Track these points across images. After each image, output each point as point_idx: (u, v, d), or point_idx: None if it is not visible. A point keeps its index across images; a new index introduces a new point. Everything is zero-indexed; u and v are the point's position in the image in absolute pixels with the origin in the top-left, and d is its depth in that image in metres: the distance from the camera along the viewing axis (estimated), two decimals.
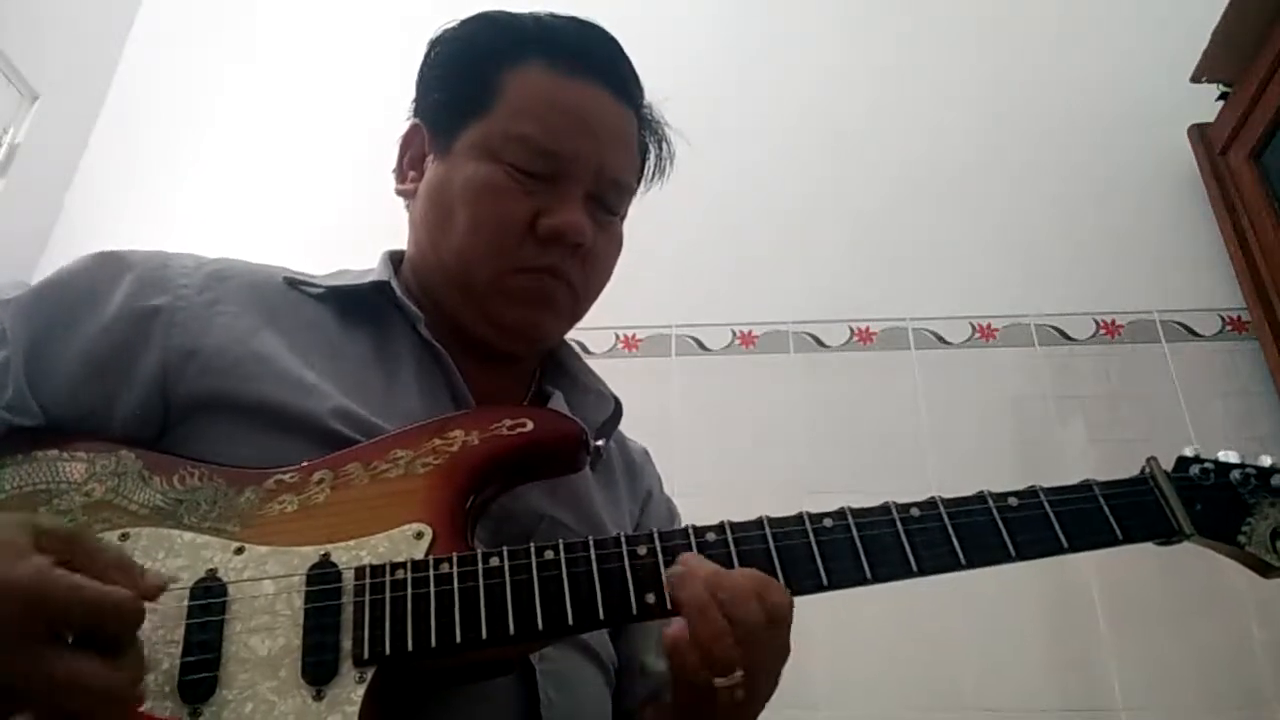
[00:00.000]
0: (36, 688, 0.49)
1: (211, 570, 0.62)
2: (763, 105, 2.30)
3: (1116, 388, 1.88)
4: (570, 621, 0.62)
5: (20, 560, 0.50)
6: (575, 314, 0.88)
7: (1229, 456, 0.72)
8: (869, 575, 0.65)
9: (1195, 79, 1.99)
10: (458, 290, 0.83)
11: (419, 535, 0.65)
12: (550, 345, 0.92)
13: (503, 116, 0.82)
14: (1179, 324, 1.93)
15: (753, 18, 2.44)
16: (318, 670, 0.59)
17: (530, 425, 0.71)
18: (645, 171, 0.95)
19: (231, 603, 0.61)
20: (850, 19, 2.41)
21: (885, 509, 0.68)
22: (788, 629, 0.63)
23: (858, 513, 0.67)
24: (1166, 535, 0.70)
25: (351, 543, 0.64)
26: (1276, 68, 1.80)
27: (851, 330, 2.00)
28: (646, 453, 1.01)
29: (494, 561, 0.63)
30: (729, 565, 0.64)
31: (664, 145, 0.95)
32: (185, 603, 0.61)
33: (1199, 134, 2.05)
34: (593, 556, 0.64)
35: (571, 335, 0.92)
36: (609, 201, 0.85)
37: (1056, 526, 0.68)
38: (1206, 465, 0.72)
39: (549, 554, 0.64)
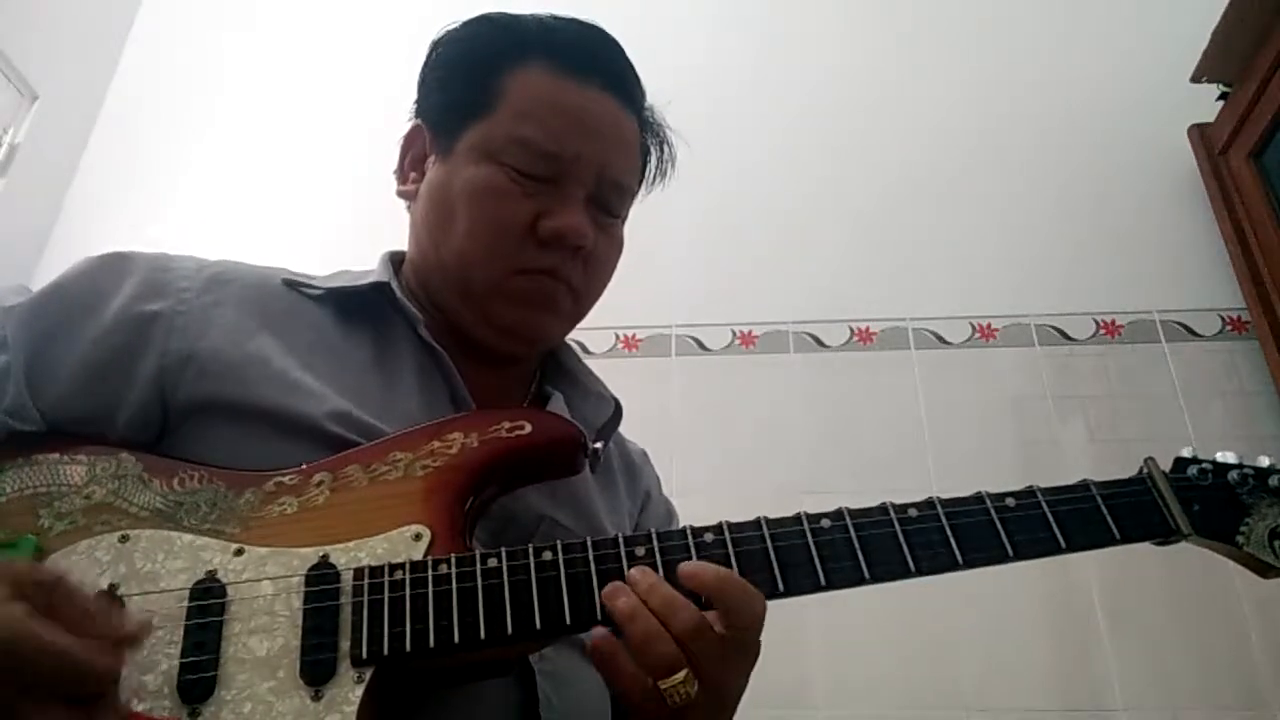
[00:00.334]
0: None
1: (211, 571, 0.63)
2: (763, 105, 2.30)
3: (1116, 388, 1.88)
4: (568, 622, 0.62)
5: None
6: (575, 316, 0.88)
7: (1227, 457, 0.72)
8: (867, 575, 0.65)
9: (1195, 79, 1.99)
10: (458, 292, 0.83)
11: (417, 537, 0.65)
12: (550, 347, 0.92)
13: (504, 118, 0.82)
14: (1179, 324, 1.93)
15: (753, 18, 2.45)
16: (316, 671, 0.59)
17: (529, 428, 0.72)
18: (646, 174, 0.95)
19: (230, 604, 0.61)
20: (850, 19, 2.41)
21: (883, 509, 0.68)
22: (753, 629, 0.63)
23: (855, 513, 0.67)
24: (1164, 535, 0.70)
25: (350, 544, 0.64)
26: (1276, 68, 1.80)
27: (851, 330, 2.01)
28: (645, 454, 1.01)
29: (492, 562, 0.63)
30: (727, 566, 0.64)
31: (665, 147, 0.95)
32: (184, 603, 0.61)
33: (1199, 134, 2.05)
34: (591, 558, 0.64)
35: (571, 335, 0.92)
36: (610, 204, 0.85)
37: (1054, 527, 0.68)
38: (1204, 466, 0.72)
39: (547, 555, 0.64)
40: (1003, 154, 2.17)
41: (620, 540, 0.65)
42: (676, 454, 1.76)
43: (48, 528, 0.64)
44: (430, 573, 0.62)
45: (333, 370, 0.76)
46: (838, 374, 1.96)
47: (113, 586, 0.61)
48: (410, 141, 0.91)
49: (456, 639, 0.60)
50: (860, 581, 0.65)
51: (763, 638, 0.65)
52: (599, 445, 0.88)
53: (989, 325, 1.98)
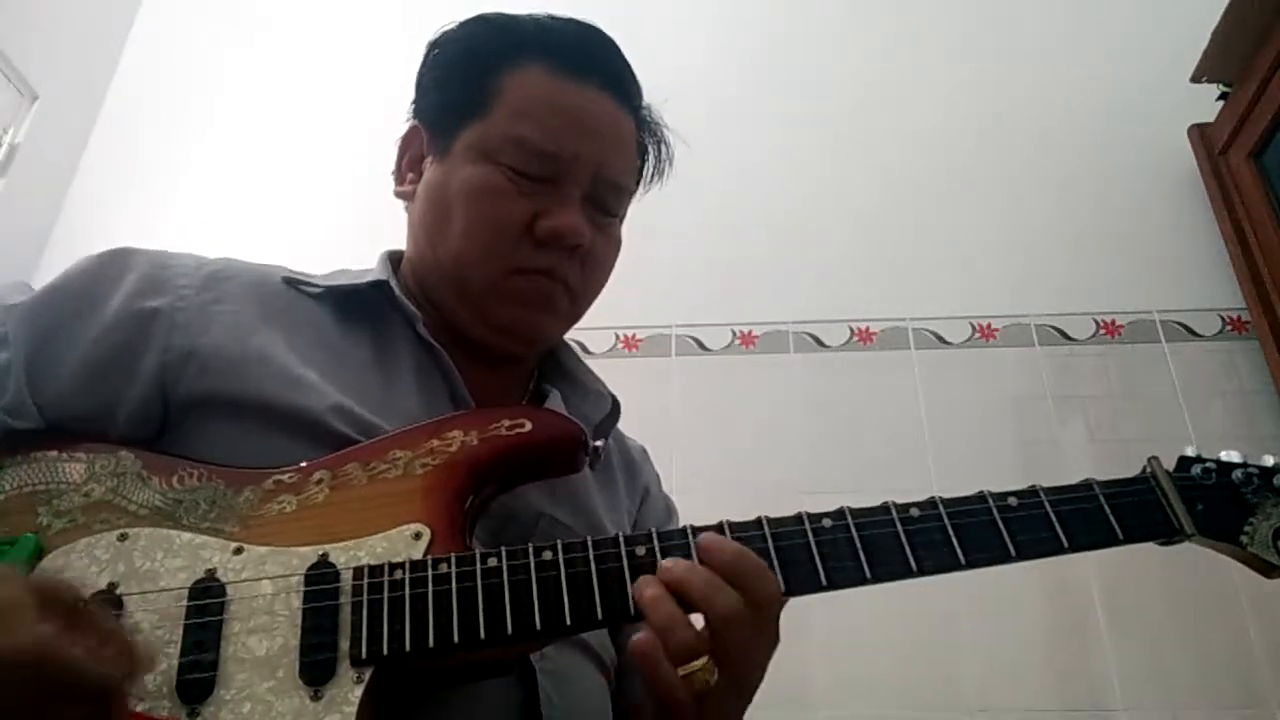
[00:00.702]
0: None
1: (210, 570, 0.62)
2: (763, 105, 2.30)
3: (1116, 388, 1.88)
4: (568, 622, 0.62)
5: (23, 627, 0.48)
6: (573, 315, 0.88)
7: (1231, 456, 0.72)
8: (868, 575, 0.65)
9: (1195, 79, 1.99)
10: (455, 291, 0.83)
11: (417, 536, 0.65)
12: (548, 346, 0.92)
13: (501, 118, 0.82)
14: (1179, 324, 1.93)
15: (752, 18, 2.45)
16: (315, 670, 0.58)
17: (529, 426, 0.71)
18: (644, 173, 0.95)
19: (230, 603, 0.61)
20: (850, 19, 2.41)
21: (885, 509, 0.67)
22: (773, 617, 0.63)
23: (857, 513, 0.67)
24: (1168, 535, 0.69)
25: (350, 543, 0.64)
26: (1276, 68, 1.80)
27: (851, 330, 2.00)
28: (644, 450, 1.01)
29: (492, 562, 0.63)
30: None
31: (662, 147, 0.95)
32: (184, 602, 0.61)
33: (1199, 134, 2.05)
34: (591, 557, 0.64)
35: (571, 335, 0.92)
36: (607, 203, 0.85)
37: (1057, 526, 0.67)
38: (1208, 465, 0.71)
39: (547, 554, 0.64)
40: (1003, 154, 2.17)
41: (620, 540, 0.65)
42: (676, 454, 1.76)
43: (47, 525, 0.64)
44: (430, 572, 0.62)
45: (333, 367, 0.76)
46: (838, 374, 1.96)
47: (112, 585, 0.61)
48: (407, 142, 0.91)
49: (456, 639, 0.60)
50: (862, 581, 0.65)
51: None
52: (599, 443, 0.88)
53: (989, 325, 1.97)
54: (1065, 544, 0.67)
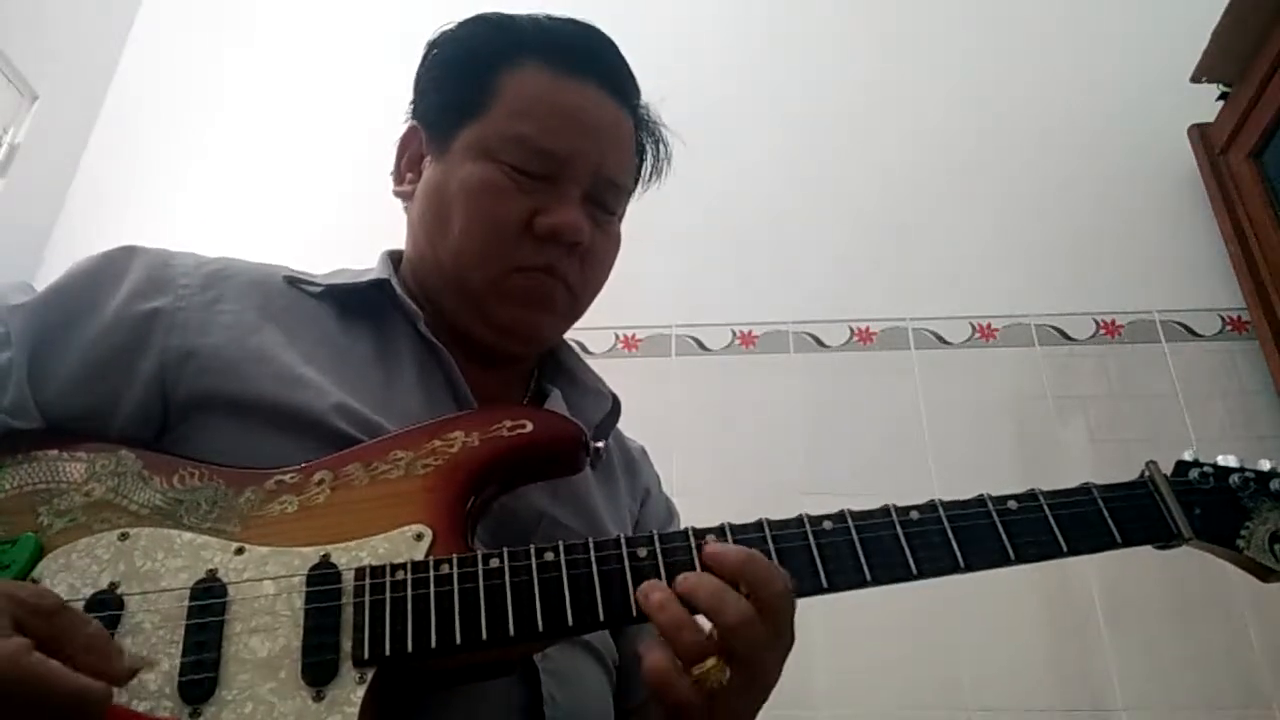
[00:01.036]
0: None
1: (211, 571, 0.62)
2: (762, 105, 2.30)
3: (1116, 388, 1.88)
4: (570, 623, 0.62)
5: None
6: (573, 314, 0.88)
7: (1228, 460, 0.72)
8: (869, 578, 0.65)
9: (1195, 79, 1.98)
10: (455, 290, 0.83)
11: (419, 536, 0.65)
12: (548, 345, 0.92)
13: (500, 117, 0.82)
14: (1179, 324, 1.93)
15: (752, 18, 2.44)
16: (317, 671, 0.58)
17: (530, 426, 0.71)
18: (642, 172, 0.95)
19: (231, 603, 0.61)
20: (850, 19, 2.41)
21: (885, 511, 0.68)
22: (786, 620, 0.63)
23: (857, 515, 0.67)
24: (1165, 539, 0.70)
25: (351, 543, 0.64)
26: (1276, 68, 1.80)
27: (851, 330, 2.00)
28: (644, 451, 1.01)
29: (494, 563, 0.63)
30: None
31: (661, 146, 0.96)
32: (185, 603, 0.61)
33: (1199, 134, 2.05)
34: (593, 558, 0.64)
35: (571, 335, 0.92)
36: (606, 201, 0.85)
37: (1056, 530, 0.68)
38: (1205, 469, 0.72)
39: (549, 555, 0.64)
40: (1003, 154, 2.17)
41: (622, 541, 0.65)
42: (676, 454, 1.76)
43: (47, 525, 0.64)
44: (432, 573, 0.62)
45: (334, 366, 0.76)
46: (838, 374, 1.96)
47: (113, 585, 0.61)
48: (406, 143, 0.91)
49: (458, 640, 0.60)
50: (862, 584, 0.65)
51: None
52: (600, 444, 0.88)
53: (989, 325, 1.98)
54: (1064, 548, 0.67)
